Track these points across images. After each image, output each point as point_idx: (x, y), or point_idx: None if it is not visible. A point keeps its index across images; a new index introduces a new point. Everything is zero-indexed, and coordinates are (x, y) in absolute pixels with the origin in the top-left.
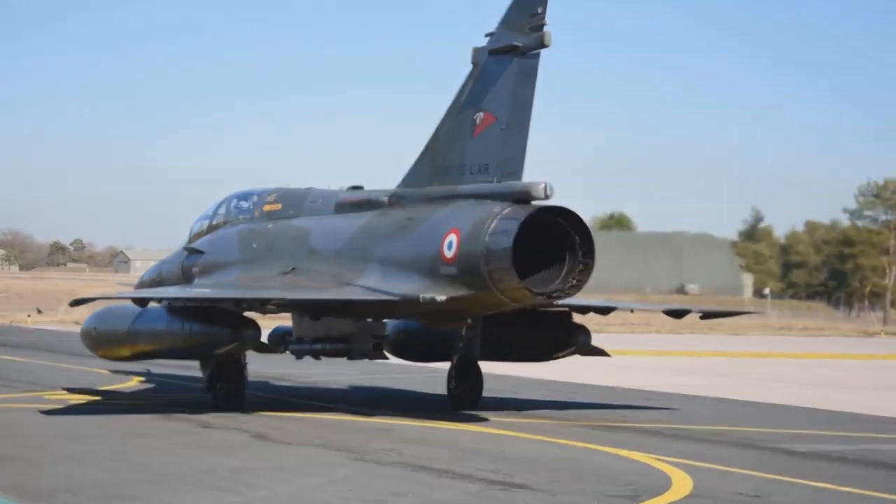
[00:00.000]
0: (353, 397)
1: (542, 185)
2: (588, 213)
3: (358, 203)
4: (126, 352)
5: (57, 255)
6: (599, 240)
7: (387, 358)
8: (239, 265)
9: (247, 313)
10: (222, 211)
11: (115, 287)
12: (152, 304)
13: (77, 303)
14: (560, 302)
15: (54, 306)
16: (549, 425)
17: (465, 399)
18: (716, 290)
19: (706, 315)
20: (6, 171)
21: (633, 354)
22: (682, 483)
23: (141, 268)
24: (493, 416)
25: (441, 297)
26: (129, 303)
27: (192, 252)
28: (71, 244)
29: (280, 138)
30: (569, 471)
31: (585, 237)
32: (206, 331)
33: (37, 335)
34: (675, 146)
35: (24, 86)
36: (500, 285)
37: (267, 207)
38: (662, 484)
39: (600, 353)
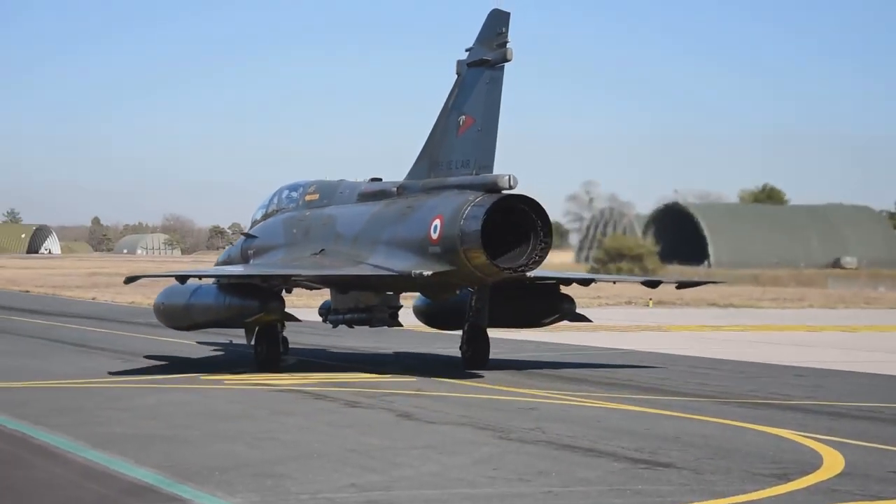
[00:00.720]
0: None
1: (507, 177)
2: (738, 186)
3: (374, 193)
4: (185, 323)
5: (216, 239)
6: (751, 213)
7: (402, 325)
8: (283, 248)
9: (289, 289)
10: (275, 201)
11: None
12: (204, 282)
13: (129, 280)
14: (548, 275)
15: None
16: (695, 403)
17: (474, 360)
18: (874, 263)
19: (681, 285)
20: (171, 161)
21: (751, 330)
22: (833, 461)
23: None
24: (637, 395)
25: (427, 272)
26: (196, 281)
27: (248, 237)
28: (229, 227)
29: None
30: (714, 448)
31: (545, 220)
32: (240, 303)
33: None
34: (824, 118)
35: (185, 78)
36: (474, 262)
37: (308, 197)
38: (812, 462)
39: (583, 319)
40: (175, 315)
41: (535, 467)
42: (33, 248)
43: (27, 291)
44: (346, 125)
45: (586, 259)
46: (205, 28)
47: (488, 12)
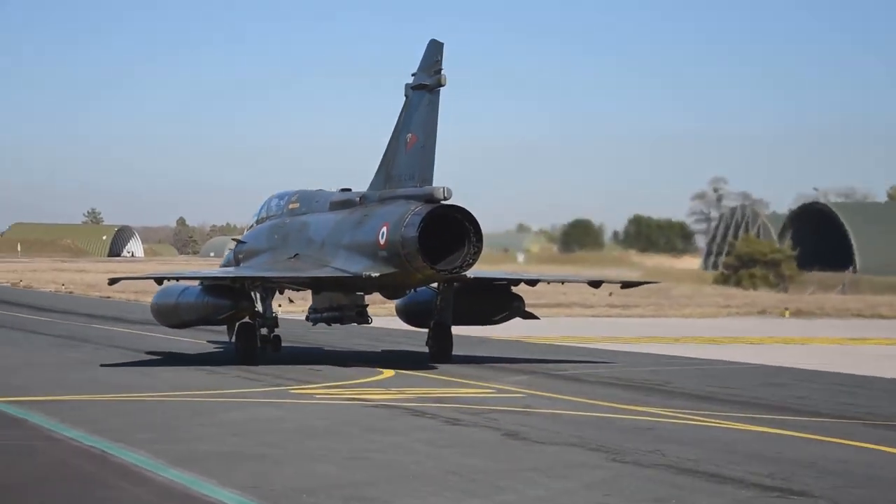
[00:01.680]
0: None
1: (441, 189)
2: (888, 183)
3: (342, 202)
4: (175, 320)
5: None
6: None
7: (369, 323)
8: (266, 252)
9: (280, 290)
10: (265, 208)
11: None
12: (190, 283)
13: (112, 282)
14: (500, 276)
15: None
16: (835, 425)
17: (438, 355)
18: None
19: (626, 285)
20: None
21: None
22: None
23: None
24: (769, 415)
25: (375, 274)
26: (185, 282)
27: (239, 242)
28: None
29: None
30: (855, 476)
31: (476, 228)
32: (215, 302)
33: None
34: None
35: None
36: (413, 265)
37: (291, 206)
38: None
39: (531, 316)
40: (167, 313)
41: (652, 493)
42: (115, 251)
43: (108, 297)
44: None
45: (714, 266)
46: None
47: (428, 42)
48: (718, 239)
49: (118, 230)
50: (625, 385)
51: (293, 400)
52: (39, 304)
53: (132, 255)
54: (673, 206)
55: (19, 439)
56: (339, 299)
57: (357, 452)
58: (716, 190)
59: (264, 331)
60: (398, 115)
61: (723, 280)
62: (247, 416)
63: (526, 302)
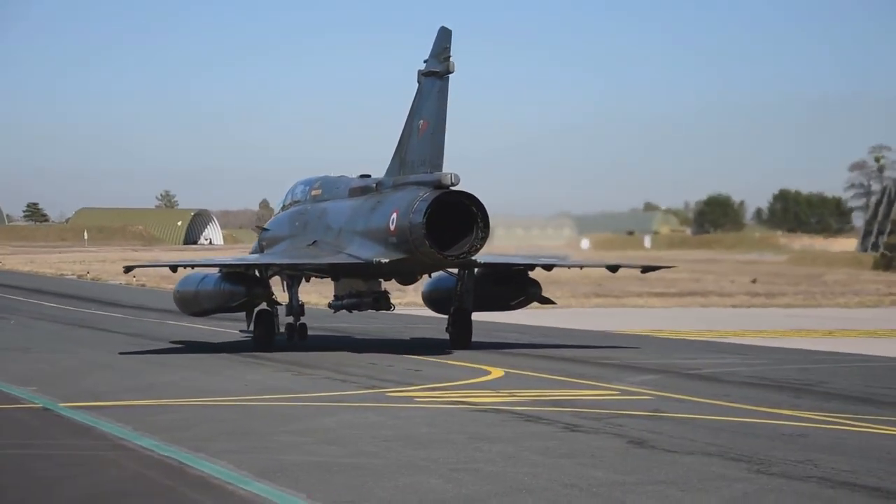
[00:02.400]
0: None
1: (449, 175)
2: None
3: (360, 189)
4: (195, 308)
5: None
6: None
7: (391, 309)
8: (287, 239)
9: (306, 277)
10: (290, 195)
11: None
12: (209, 271)
13: (127, 269)
14: (517, 262)
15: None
16: None
17: (458, 340)
18: None
19: (645, 269)
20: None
21: None
22: None
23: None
24: None
25: (385, 260)
26: (205, 270)
27: (263, 229)
28: None
29: None
30: None
31: (483, 213)
32: (230, 289)
33: (383, 320)
34: None
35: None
36: (420, 250)
37: (313, 192)
38: None
39: (548, 301)
40: (188, 302)
41: None
42: (191, 238)
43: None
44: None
45: (874, 248)
46: None
47: (438, 29)
48: (880, 216)
49: (194, 215)
50: (769, 385)
51: (391, 404)
52: (109, 299)
53: (210, 243)
54: (826, 180)
55: (87, 449)
56: (358, 286)
57: (463, 463)
58: (877, 160)
59: (290, 319)
60: (412, 100)
61: (884, 264)
62: (340, 422)
63: (653, 290)
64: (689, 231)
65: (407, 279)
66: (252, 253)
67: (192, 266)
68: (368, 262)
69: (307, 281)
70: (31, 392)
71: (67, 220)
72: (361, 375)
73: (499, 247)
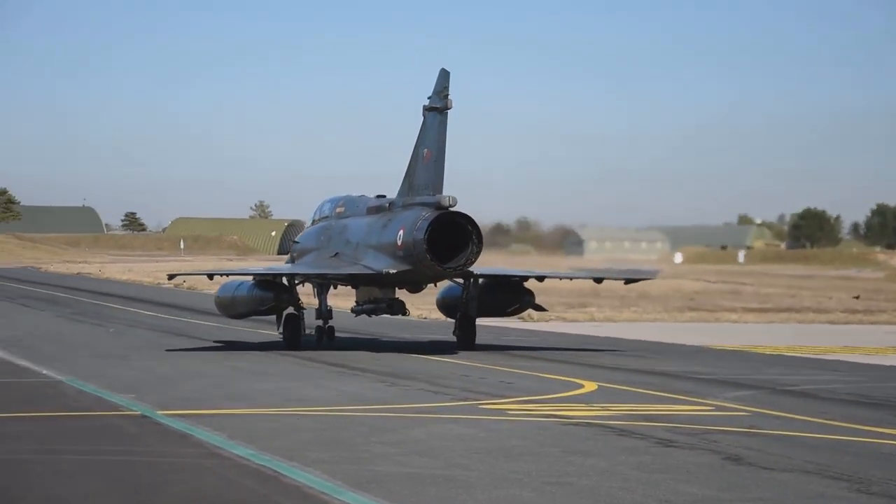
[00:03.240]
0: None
1: (447, 198)
2: None
3: (376, 207)
4: (232, 312)
5: (499, 236)
6: None
7: (406, 315)
8: (313, 252)
9: (334, 285)
10: (318, 211)
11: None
12: (245, 279)
13: (171, 276)
14: (513, 273)
15: None
16: None
17: (463, 342)
18: None
19: (628, 281)
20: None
21: None
22: None
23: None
24: None
25: (393, 271)
26: (241, 278)
27: (295, 242)
28: (514, 223)
29: None
30: None
31: (477, 231)
32: (260, 295)
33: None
34: None
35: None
36: (423, 263)
37: (338, 209)
38: None
39: (541, 308)
40: (226, 306)
41: None
42: (285, 248)
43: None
44: None
45: None
46: None
47: (439, 70)
48: None
49: (288, 225)
50: (868, 403)
51: (484, 416)
52: (204, 308)
53: None
54: None
55: (184, 457)
56: (375, 294)
57: (557, 476)
58: None
59: (320, 322)
60: (418, 132)
61: None
62: (432, 433)
63: (743, 306)
64: (783, 245)
65: (413, 288)
66: (286, 263)
67: (228, 275)
68: (379, 273)
69: (335, 288)
70: (130, 399)
71: (164, 230)
72: (455, 387)
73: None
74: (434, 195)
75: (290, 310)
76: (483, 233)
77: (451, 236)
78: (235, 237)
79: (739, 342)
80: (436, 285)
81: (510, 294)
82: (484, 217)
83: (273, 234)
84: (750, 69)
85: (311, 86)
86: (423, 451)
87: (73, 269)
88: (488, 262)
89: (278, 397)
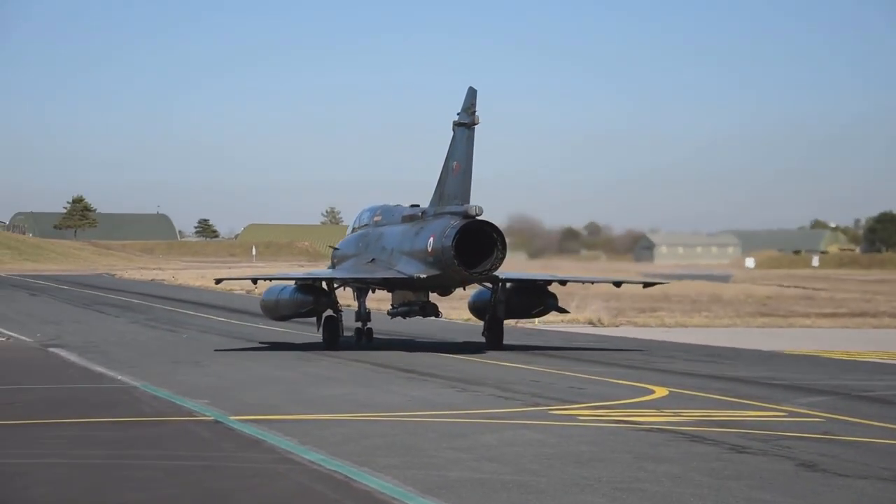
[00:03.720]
0: None
1: (474, 207)
2: None
3: (409, 216)
4: (276, 314)
5: (569, 242)
6: None
7: (438, 317)
8: (352, 258)
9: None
10: (358, 220)
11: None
12: (287, 284)
13: (218, 281)
14: (537, 278)
15: (563, 302)
16: None
17: (491, 342)
18: None
19: (646, 285)
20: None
21: None
22: None
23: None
24: None
25: (423, 276)
26: (284, 283)
27: (335, 248)
28: (584, 228)
29: None
30: None
31: (501, 238)
32: (301, 298)
33: (542, 337)
34: None
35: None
36: (451, 268)
37: (376, 218)
38: None
39: (563, 310)
40: (270, 308)
41: None
42: None
43: (348, 306)
44: None
45: None
46: None
47: (467, 88)
48: None
49: None
50: None
51: (554, 422)
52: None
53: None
54: None
55: (256, 462)
56: (409, 297)
57: (628, 482)
58: None
59: (359, 324)
60: (448, 146)
61: None
62: (503, 439)
63: (817, 311)
64: (858, 250)
65: (443, 292)
66: (328, 268)
67: (270, 279)
68: (411, 277)
69: (372, 292)
70: (203, 405)
71: (236, 236)
72: (525, 393)
73: (660, 265)
74: (462, 205)
75: (330, 312)
76: (553, 238)
77: (478, 243)
78: (307, 243)
79: (813, 347)
80: (464, 289)
81: (535, 297)
82: (553, 221)
83: None
84: (828, 72)
85: (382, 92)
86: (494, 456)
87: (148, 275)
88: (558, 269)
89: (348, 403)
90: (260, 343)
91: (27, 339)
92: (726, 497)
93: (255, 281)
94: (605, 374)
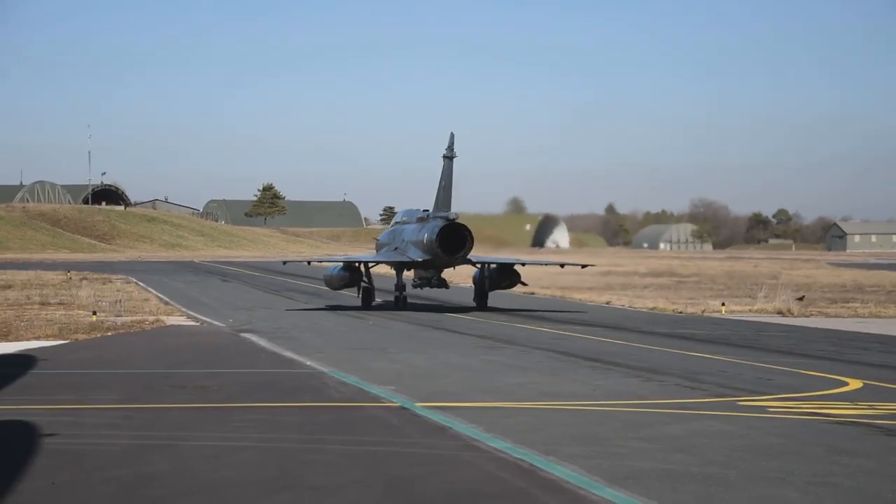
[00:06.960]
0: None
1: (453, 214)
2: None
3: (420, 218)
4: (332, 285)
5: (757, 230)
6: None
7: (447, 288)
8: (385, 246)
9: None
10: (396, 218)
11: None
12: (336, 264)
13: (285, 263)
14: (504, 261)
15: (751, 291)
16: None
17: (480, 306)
18: None
19: (584, 265)
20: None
21: None
22: None
23: (859, 243)
24: None
25: (419, 259)
26: (334, 263)
27: (377, 239)
28: (774, 216)
29: None
30: None
31: (470, 234)
32: (342, 275)
33: (729, 326)
34: None
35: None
36: (437, 254)
37: (404, 219)
38: None
39: (524, 283)
40: (328, 281)
41: None
42: (538, 241)
43: (532, 294)
44: None
45: None
46: None
47: (449, 132)
48: None
49: (542, 219)
50: None
51: (742, 413)
52: (460, 301)
53: (557, 246)
54: None
55: (442, 449)
56: (424, 273)
57: (821, 476)
58: None
59: (397, 292)
60: (441, 170)
61: None
62: (689, 430)
63: None
64: None
65: (438, 270)
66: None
67: (321, 262)
68: (413, 261)
69: (407, 270)
70: (389, 391)
71: None
72: (712, 383)
73: (852, 254)
74: (446, 212)
75: (365, 283)
76: (740, 226)
77: (455, 237)
78: (490, 231)
79: None
80: (454, 268)
81: (506, 276)
82: (740, 208)
83: (528, 227)
84: None
85: (566, 82)
86: (681, 447)
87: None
88: (746, 257)
89: (533, 391)
90: (572, 356)
91: (220, 324)
92: None
93: (309, 262)
94: (795, 364)
